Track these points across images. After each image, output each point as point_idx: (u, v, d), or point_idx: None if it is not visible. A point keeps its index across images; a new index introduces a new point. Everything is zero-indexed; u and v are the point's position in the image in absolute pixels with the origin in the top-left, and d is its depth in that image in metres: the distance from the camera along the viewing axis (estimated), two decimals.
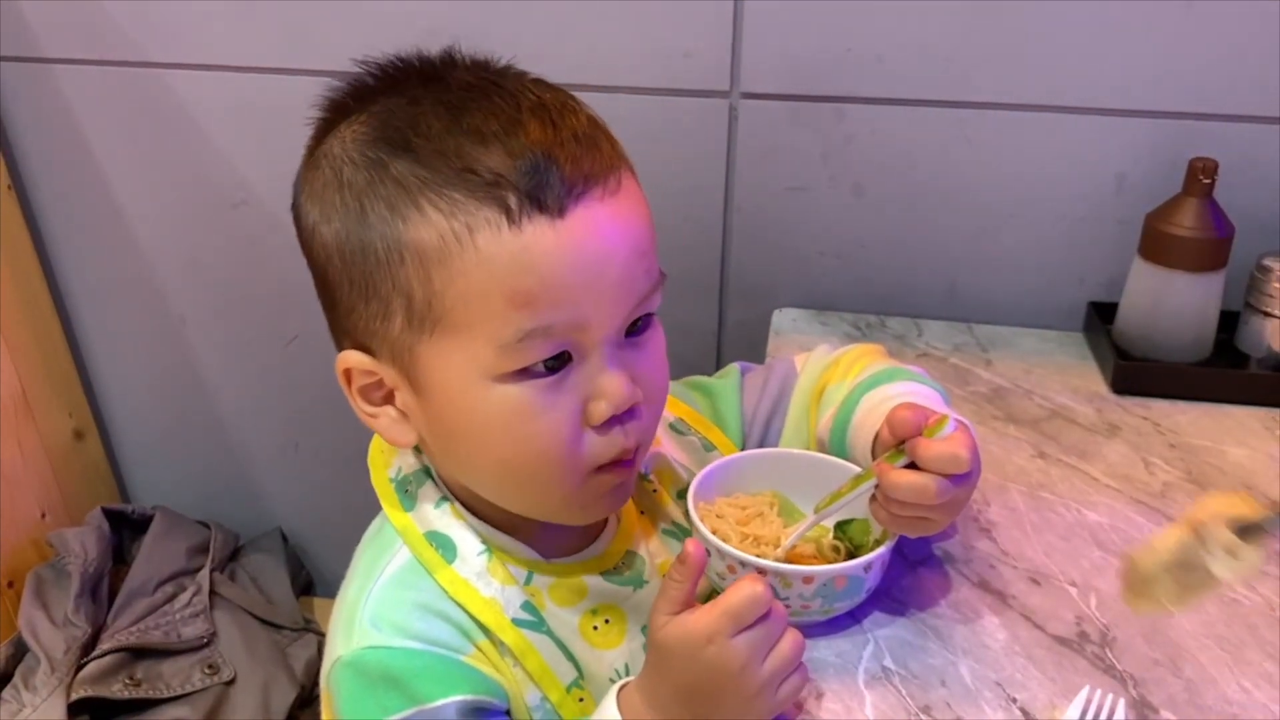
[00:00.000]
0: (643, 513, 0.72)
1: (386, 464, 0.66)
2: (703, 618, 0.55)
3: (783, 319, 1.10)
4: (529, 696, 0.62)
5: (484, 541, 0.63)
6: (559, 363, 0.57)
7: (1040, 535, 0.77)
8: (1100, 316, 1.04)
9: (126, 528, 1.31)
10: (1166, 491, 0.83)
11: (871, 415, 0.69)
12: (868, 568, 0.65)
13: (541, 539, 0.66)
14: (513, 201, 0.53)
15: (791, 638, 0.57)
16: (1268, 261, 0.95)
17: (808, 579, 0.64)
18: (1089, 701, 0.62)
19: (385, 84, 0.60)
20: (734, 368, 0.81)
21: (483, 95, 0.56)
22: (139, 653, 1.15)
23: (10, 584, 1.22)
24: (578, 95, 1.14)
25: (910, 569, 0.74)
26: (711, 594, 0.60)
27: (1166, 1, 0.95)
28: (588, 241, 0.55)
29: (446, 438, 0.61)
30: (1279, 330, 0.96)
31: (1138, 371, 0.97)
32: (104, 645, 1.14)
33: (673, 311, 1.16)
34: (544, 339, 0.55)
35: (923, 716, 0.62)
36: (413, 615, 0.60)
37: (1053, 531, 0.78)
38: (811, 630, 0.67)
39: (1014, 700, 0.63)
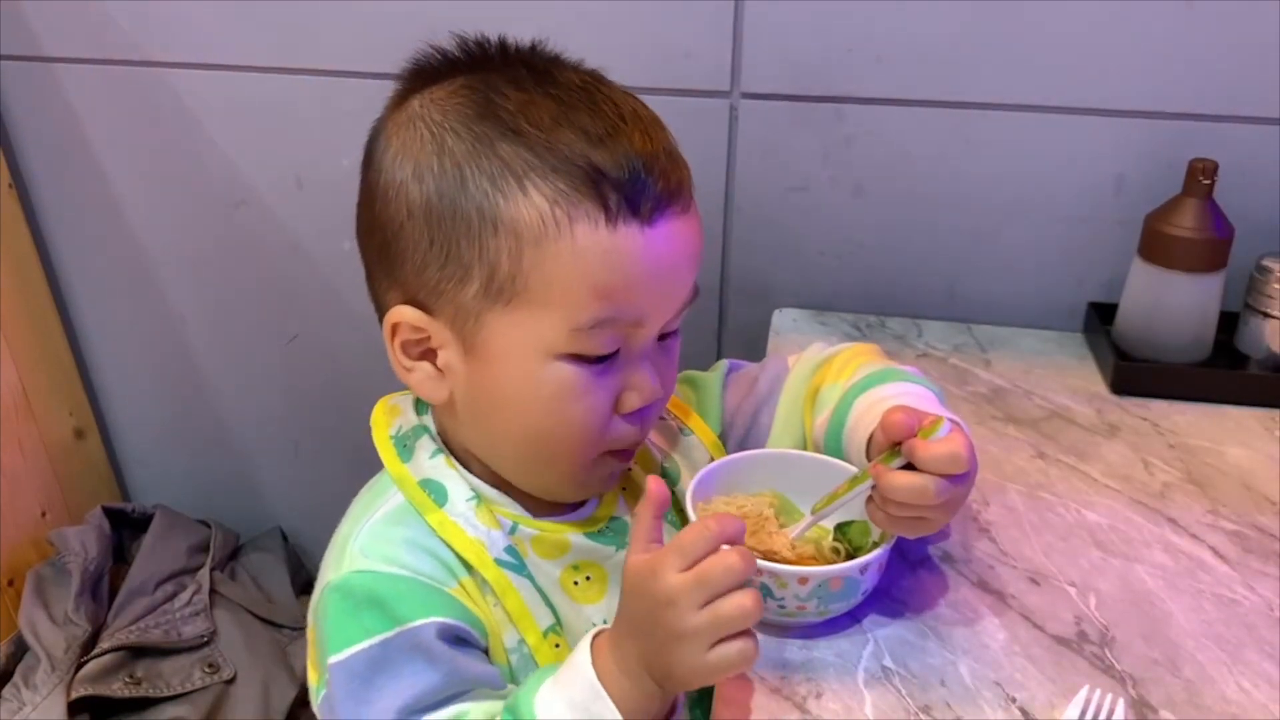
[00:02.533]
0: (624, 489, 0.74)
1: (388, 424, 0.69)
2: (655, 553, 0.56)
3: (783, 319, 1.10)
4: (507, 637, 0.65)
5: (474, 490, 0.66)
6: (609, 355, 0.61)
7: (1039, 535, 0.78)
8: (1100, 317, 1.04)
9: (127, 527, 1.31)
10: (1166, 492, 0.83)
11: (866, 417, 0.70)
12: (864, 569, 0.66)
13: (529, 499, 0.68)
14: (612, 201, 0.58)
15: (745, 595, 0.54)
16: (1267, 262, 0.95)
17: (803, 579, 0.64)
18: (1088, 701, 0.62)
19: (478, 60, 0.64)
20: (722, 363, 0.83)
21: (588, 96, 0.60)
22: (139, 651, 1.15)
23: (10, 582, 1.22)
24: None
25: (910, 569, 0.74)
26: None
27: (1167, 2, 0.95)
28: (666, 252, 0.60)
29: (486, 401, 0.63)
30: (1278, 331, 0.96)
31: (1137, 372, 0.97)
32: (104, 644, 1.13)
33: None
34: (611, 330, 0.60)
35: (922, 716, 0.62)
36: (401, 548, 0.63)
37: (1052, 532, 0.78)
38: (810, 630, 0.67)
39: (1013, 700, 0.63)
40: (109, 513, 1.28)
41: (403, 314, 0.62)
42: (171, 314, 1.31)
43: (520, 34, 1.06)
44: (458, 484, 0.66)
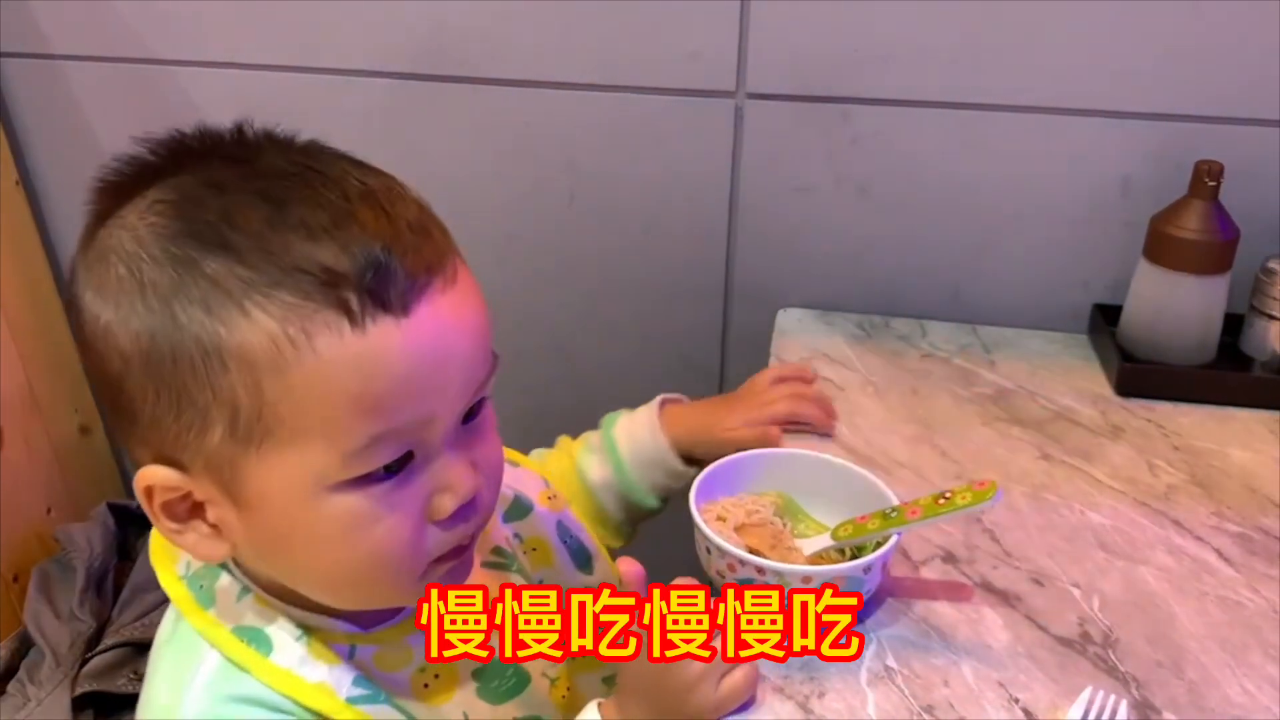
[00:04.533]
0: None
1: (172, 560, 0.62)
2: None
3: (787, 319, 1.10)
4: None
5: (299, 626, 0.59)
6: (400, 463, 0.53)
7: (1043, 536, 0.78)
8: (1105, 318, 1.04)
9: (131, 523, 1.31)
10: (1170, 494, 0.83)
11: (637, 423, 0.84)
12: (867, 569, 0.66)
13: (356, 613, 0.62)
14: (354, 302, 0.49)
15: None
16: (1273, 264, 0.95)
17: (807, 579, 0.64)
18: (1091, 703, 0.62)
19: (170, 161, 0.54)
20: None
21: (303, 183, 0.52)
22: (144, 648, 1.15)
23: (15, 578, 1.23)
24: (583, 95, 1.15)
25: (913, 569, 0.74)
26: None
27: (1173, 3, 0.95)
28: (434, 338, 0.52)
29: (271, 549, 0.56)
30: None
31: (1142, 374, 0.97)
32: (109, 640, 1.14)
33: (678, 312, 1.17)
34: (392, 442, 0.52)
35: (925, 716, 0.62)
36: (240, 710, 0.56)
37: (1056, 533, 0.78)
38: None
39: (1016, 701, 0.63)
40: (114, 509, 1.28)
41: (154, 474, 0.54)
42: None
43: (525, 35, 1.07)
44: (279, 624, 0.58)
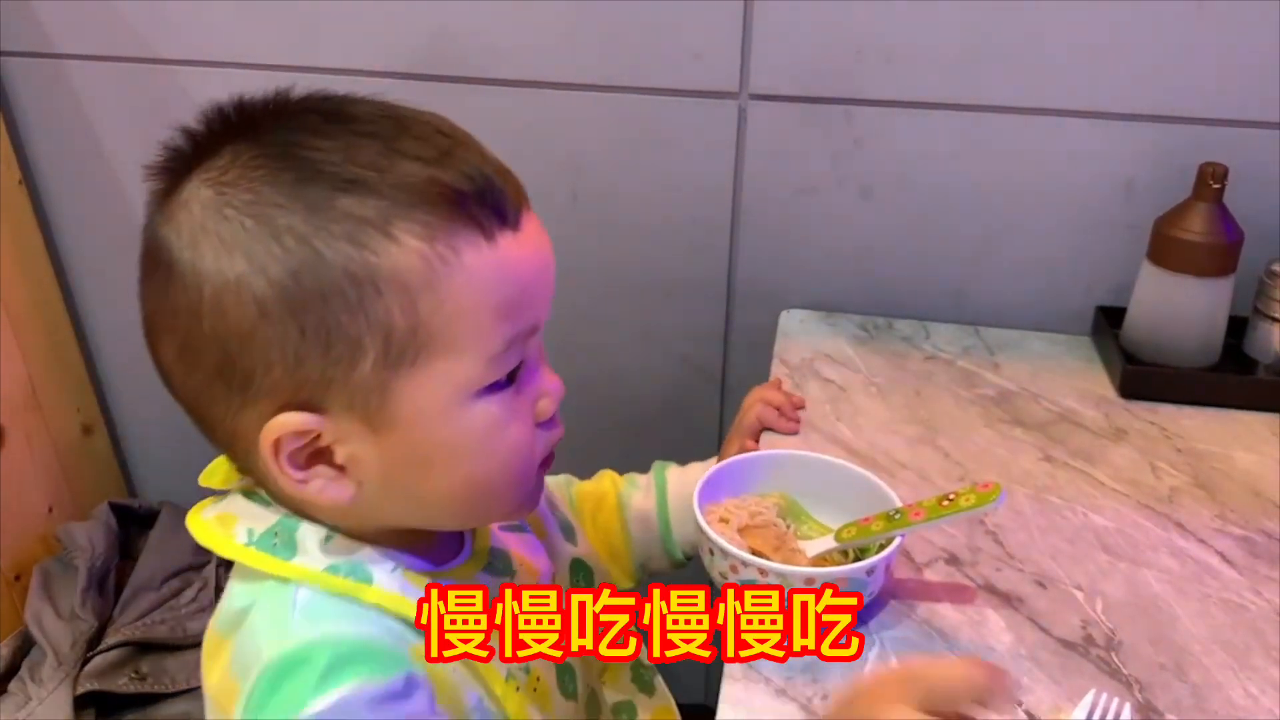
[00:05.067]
0: None
1: (229, 535, 0.60)
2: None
3: (790, 321, 1.10)
4: (468, 696, 0.60)
5: (390, 560, 0.60)
6: (514, 372, 0.58)
7: (1046, 538, 0.77)
8: (1108, 321, 1.04)
9: (133, 523, 1.31)
10: (1173, 496, 0.83)
11: (690, 470, 0.83)
12: (870, 571, 0.66)
13: (427, 551, 0.63)
14: (483, 217, 0.54)
15: None
16: (1277, 267, 0.95)
17: (809, 580, 0.64)
18: (1094, 705, 0.62)
19: (239, 124, 0.56)
20: None
21: (395, 124, 0.55)
22: (145, 647, 1.15)
23: (17, 577, 1.23)
24: (587, 95, 1.15)
25: (916, 571, 0.74)
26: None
27: (1177, 5, 0.95)
28: (537, 250, 0.57)
29: (407, 473, 0.58)
30: None
31: (1145, 376, 0.97)
32: (110, 639, 1.14)
33: (680, 313, 1.17)
34: (518, 346, 0.57)
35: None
36: (345, 620, 0.57)
37: (1059, 535, 0.78)
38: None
39: (1019, 703, 0.63)
40: (116, 509, 1.29)
41: (285, 422, 0.54)
42: None
43: (528, 34, 1.07)
44: (372, 558, 0.59)
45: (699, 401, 1.22)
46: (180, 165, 0.56)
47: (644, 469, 0.87)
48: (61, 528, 1.24)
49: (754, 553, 0.67)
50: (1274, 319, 0.96)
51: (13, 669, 1.14)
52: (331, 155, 0.53)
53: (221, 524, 0.60)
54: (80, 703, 1.08)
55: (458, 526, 0.64)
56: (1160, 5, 0.95)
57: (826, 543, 0.70)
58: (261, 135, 0.55)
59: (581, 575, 0.76)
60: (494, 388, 0.57)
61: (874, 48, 1.02)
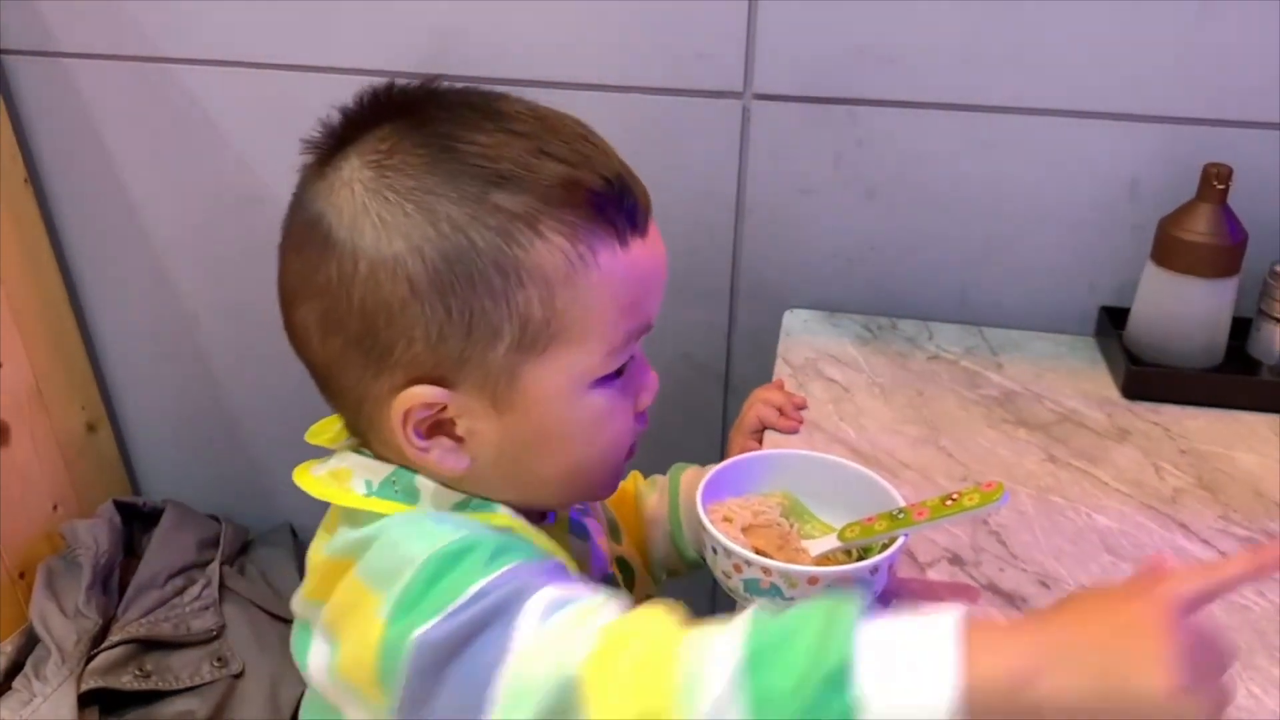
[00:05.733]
0: None
1: (345, 487, 0.62)
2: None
3: (794, 320, 1.10)
4: None
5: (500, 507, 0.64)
6: (623, 366, 0.62)
7: (1050, 539, 0.77)
8: (1112, 321, 1.04)
9: (137, 520, 1.32)
10: (1177, 497, 0.83)
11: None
12: (874, 570, 0.65)
13: (526, 514, 0.66)
14: (619, 222, 0.58)
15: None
16: None
17: (813, 580, 0.64)
18: None
19: (396, 108, 0.60)
20: None
21: (545, 125, 0.59)
22: (149, 644, 1.16)
23: (22, 575, 1.23)
24: (591, 95, 1.15)
25: (919, 571, 0.74)
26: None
27: (1181, 5, 0.95)
28: (657, 255, 0.62)
29: (523, 450, 0.62)
30: None
31: (1149, 377, 0.97)
32: (114, 637, 1.14)
33: (684, 312, 1.17)
34: (634, 341, 0.62)
35: None
36: (487, 527, 0.58)
37: (1062, 535, 0.78)
38: None
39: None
40: (120, 506, 1.29)
41: (417, 394, 0.58)
42: (184, 309, 1.32)
43: (533, 34, 1.07)
44: (488, 502, 0.63)
45: (703, 401, 1.22)
46: (336, 143, 0.60)
47: (647, 468, 0.87)
48: (66, 525, 1.24)
49: (758, 552, 0.67)
50: (1278, 320, 0.96)
51: (17, 666, 1.15)
52: (487, 150, 0.57)
53: (336, 478, 0.63)
54: (84, 700, 1.09)
55: (548, 505, 0.69)
56: (1164, 5, 0.96)
57: (830, 542, 0.70)
58: (422, 123, 0.59)
59: (625, 572, 0.79)
60: (606, 379, 0.61)
61: (878, 48, 1.02)
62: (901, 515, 0.68)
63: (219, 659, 1.17)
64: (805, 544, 0.71)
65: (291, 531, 1.42)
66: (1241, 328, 0.99)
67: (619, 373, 0.62)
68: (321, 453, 0.67)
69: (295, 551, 1.38)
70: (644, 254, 0.60)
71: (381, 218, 0.56)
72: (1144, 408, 0.95)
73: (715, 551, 0.67)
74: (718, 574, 0.68)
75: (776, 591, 0.64)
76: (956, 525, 0.77)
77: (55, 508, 1.30)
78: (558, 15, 1.06)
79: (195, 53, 1.16)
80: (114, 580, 1.22)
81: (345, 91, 1.15)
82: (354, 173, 0.58)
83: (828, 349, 1.05)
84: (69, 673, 1.10)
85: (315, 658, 0.59)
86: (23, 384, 1.24)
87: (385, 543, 0.56)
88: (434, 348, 0.58)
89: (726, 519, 0.71)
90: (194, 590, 1.23)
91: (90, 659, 1.12)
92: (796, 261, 1.13)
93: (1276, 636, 0.68)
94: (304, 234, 0.59)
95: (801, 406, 0.93)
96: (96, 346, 1.36)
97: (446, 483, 0.63)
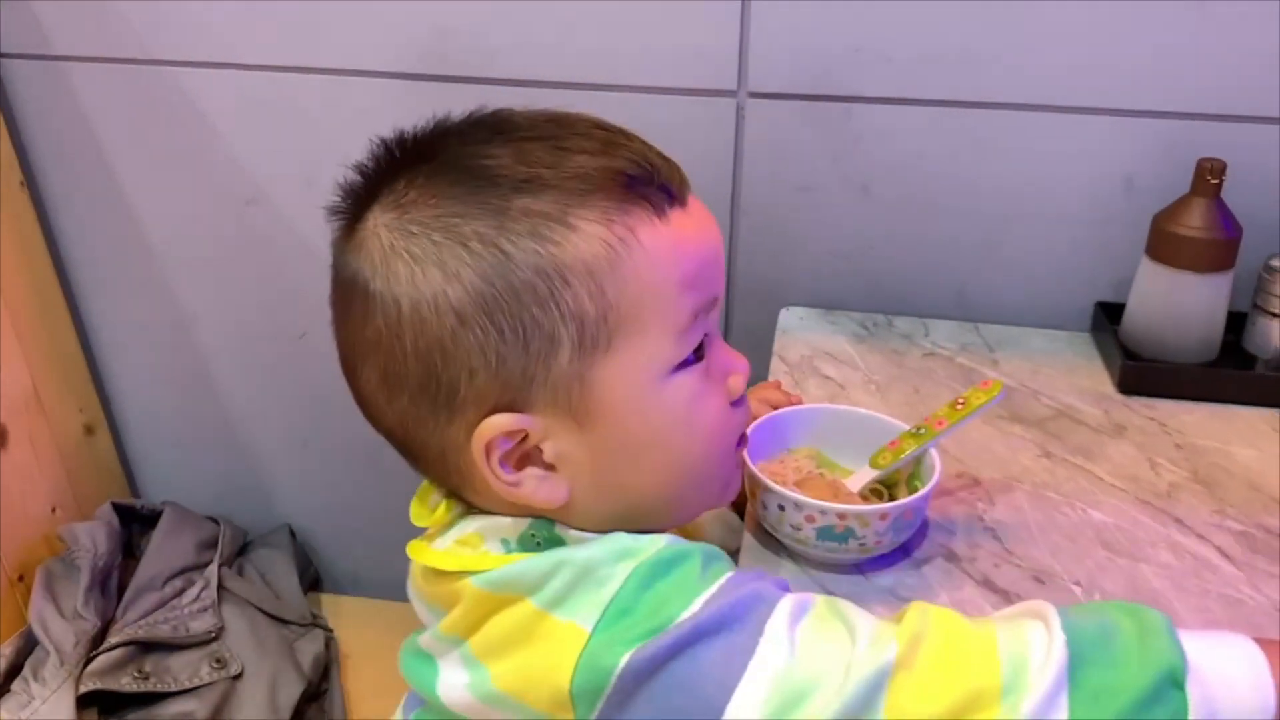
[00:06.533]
0: None
1: (480, 555, 0.59)
2: None
3: (790, 318, 1.11)
4: None
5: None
6: (700, 349, 0.60)
7: (1045, 535, 0.78)
8: (1108, 317, 1.04)
9: (136, 522, 1.32)
10: (1172, 492, 0.83)
11: None
12: (926, 498, 0.71)
13: None
14: (653, 196, 0.56)
15: None
16: (1275, 262, 0.95)
17: (883, 515, 0.69)
18: None
19: (410, 155, 0.58)
20: None
21: (557, 125, 0.58)
22: (147, 646, 1.16)
23: (20, 578, 1.23)
24: (585, 94, 1.15)
25: (915, 567, 0.74)
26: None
27: (1177, 2, 0.95)
28: (706, 225, 0.60)
29: (621, 462, 0.59)
30: None
31: (1145, 372, 0.97)
32: (113, 639, 1.14)
33: None
34: (703, 316, 0.59)
35: None
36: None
37: (1058, 531, 0.78)
38: (875, 562, 0.73)
39: None
40: (118, 509, 1.29)
41: (493, 425, 0.56)
42: (182, 311, 1.32)
43: (526, 33, 1.07)
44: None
45: None
46: (357, 203, 0.58)
47: None
48: (64, 527, 1.25)
49: None
50: (1273, 314, 0.96)
51: (16, 668, 1.15)
52: (503, 160, 0.55)
53: (467, 545, 0.60)
54: (83, 701, 1.09)
55: (668, 523, 0.64)
56: (1159, 2, 0.95)
57: (867, 474, 0.75)
58: (434, 154, 0.57)
59: None
60: (685, 365, 0.58)
61: (873, 45, 1.02)
62: (923, 431, 0.74)
63: (218, 660, 1.17)
64: (846, 483, 0.76)
65: (290, 533, 1.42)
66: (1237, 322, 0.99)
67: (699, 357, 0.59)
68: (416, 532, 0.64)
69: (294, 553, 1.38)
70: (689, 224, 0.58)
71: (411, 253, 0.55)
72: (1140, 403, 0.95)
73: (783, 508, 0.70)
74: (784, 529, 0.71)
75: (850, 534, 0.69)
76: (950, 523, 0.78)
77: (54, 510, 1.30)
78: (551, 15, 1.06)
79: (191, 55, 1.16)
80: (113, 582, 1.22)
81: (341, 92, 1.16)
82: (377, 220, 0.56)
83: (824, 346, 1.05)
84: (67, 675, 1.10)
85: (449, 684, 0.57)
86: (20, 387, 1.24)
87: (573, 567, 0.54)
88: (496, 373, 0.55)
89: (774, 478, 0.73)
90: (192, 592, 1.23)
91: (89, 661, 1.12)
92: (792, 259, 1.13)
93: (1272, 630, 0.68)
94: (345, 298, 0.58)
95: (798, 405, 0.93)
96: (94, 349, 1.37)
97: (576, 525, 0.60)
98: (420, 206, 0.55)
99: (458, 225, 0.54)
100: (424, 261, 0.55)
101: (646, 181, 0.56)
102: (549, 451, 0.58)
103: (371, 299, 0.56)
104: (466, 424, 0.57)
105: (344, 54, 1.13)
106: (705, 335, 0.60)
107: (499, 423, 0.56)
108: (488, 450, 0.56)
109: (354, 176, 0.59)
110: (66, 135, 1.23)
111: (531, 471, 0.58)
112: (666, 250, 0.56)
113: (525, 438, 0.57)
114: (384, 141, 0.59)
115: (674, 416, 0.59)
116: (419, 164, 0.57)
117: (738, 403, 0.63)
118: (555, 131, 0.57)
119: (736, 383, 0.62)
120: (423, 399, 0.57)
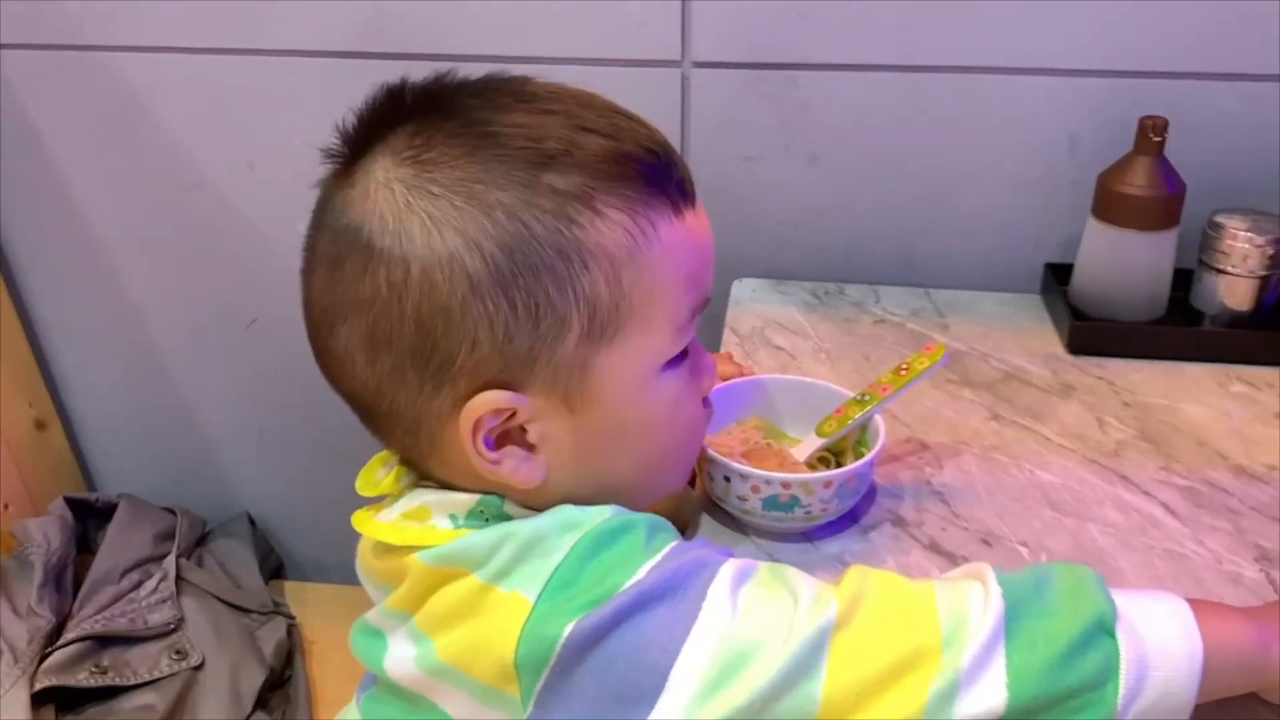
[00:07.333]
0: None
1: (427, 529, 0.58)
2: None
3: (742, 289, 1.10)
4: None
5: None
6: (684, 350, 0.61)
7: (992, 497, 0.78)
8: (1056, 278, 1.04)
9: (91, 516, 1.30)
10: (1120, 450, 0.83)
11: None
12: (871, 464, 0.71)
13: None
14: (672, 191, 0.57)
15: None
16: (1219, 218, 0.95)
17: (827, 483, 0.69)
18: None
19: (420, 104, 0.56)
20: None
21: (578, 101, 0.57)
22: (105, 641, 1.15)
23: None
24: (526, 68, 1.13)
25: (861, 533, 0.74)
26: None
27: None
28: (707, 226, 0.61)
29: (602, 446, 0.59)
30: (1232, 287, 0.96)
31: (1092, 331, 0.97)
32: (69, 634, 1.13)
33: None
34: (694, 317, 0.60)
35: None
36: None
37: (1005, 493, 0.78)
38: (820, 530, 0.73)
39: None
40: (71, 503, 1.28)
41: (486, 401, 0.55)
42: (129, 301, 1.30)
43: (468, 8, 1.05)
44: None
45: None
46: (358, 148, 0.56)
47: None
48: (17, 524, 1.23)
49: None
50: (1219, 270, 0.96)
51: None
52: (527, 130, 0.54)
53: (414, 519, 0.59)
54: (40, 699, 1.08)
55: (630, 508, 0.62)
56: None
57: (814, 442, 0.75)
58: (453, 112, 0.55)
59: None
60: (674, 362, 0.59)
61: (816, 10, 1.01)
62: (868, 397, 0.74)
63: (178, 652, 1.16)
64: (793, 452, 0.76)
65: (250, 521, 1.41)
66: (1184, 279, 0.99)
67: (684, 355, 0.60)
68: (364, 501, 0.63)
69: (253, 541, 1.37)
70: (697, 224, 0.59)
71: (430, 214, 0.53)
72: (1089, 363, 0.96)
73: (729, 480, 0.70)
74: (731, 500, 0.71)
75: (795, 502, 0.69)
76: (898, 489, 0.78)
77: (6, 507, 1.28)
78: None
79: (126, 39, 1.14)
80: (67, 578, 1.21)
81: (282, 74, 1.14)
82: (389, 173, 0.54)
83: (774, 317, 1.04)
84: (21, 672, 1.08)
85: (396, 658, 0.57)
86: None
87: (518, 539, 0.53)
88: (501, 348, 0.54)
89: (720, 451, 0.72)
90: (150, 584, 1.22)
91: (44, 658, 1.11)
92: (743, 231, 1.12)
93: (1214, 584, 0.69)
94: (338, 249, 0.55)
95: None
96: (42, 343, 1.34)
97: (529, 503, 0.59)
98: (442, 166, 0.54)
99: (482, 193, 0.53)
100: (443, 225, 0.53)
101: (665, 176, 0.56)
102: (533, 433, 0.57)
103: (375, 256, 0.54)
104: (455, 396, 0.55)
105: (284, 33, 1.11)
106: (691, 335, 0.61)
107: (491, 399, 0.55)
108: (476, 426, 0.56)
109: (353, 121, 0.57)
110: (3, 125, 1.20)
111: (512, 450, 0.57)
112: (678, 247, 0.57)
113: (512, 416, 0.56)
114: (389, 88, 0.57)
115: (660, 411, 0.60)
116: (435, 119, 0.55)
117: (705, 401, 0.66)
118: (573, 108, 0.56)
119: (709, 383, 0.65)
120: (410, 364, 0.55)
